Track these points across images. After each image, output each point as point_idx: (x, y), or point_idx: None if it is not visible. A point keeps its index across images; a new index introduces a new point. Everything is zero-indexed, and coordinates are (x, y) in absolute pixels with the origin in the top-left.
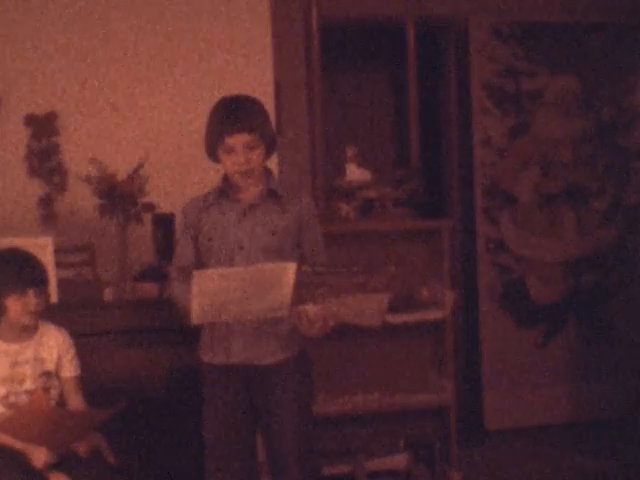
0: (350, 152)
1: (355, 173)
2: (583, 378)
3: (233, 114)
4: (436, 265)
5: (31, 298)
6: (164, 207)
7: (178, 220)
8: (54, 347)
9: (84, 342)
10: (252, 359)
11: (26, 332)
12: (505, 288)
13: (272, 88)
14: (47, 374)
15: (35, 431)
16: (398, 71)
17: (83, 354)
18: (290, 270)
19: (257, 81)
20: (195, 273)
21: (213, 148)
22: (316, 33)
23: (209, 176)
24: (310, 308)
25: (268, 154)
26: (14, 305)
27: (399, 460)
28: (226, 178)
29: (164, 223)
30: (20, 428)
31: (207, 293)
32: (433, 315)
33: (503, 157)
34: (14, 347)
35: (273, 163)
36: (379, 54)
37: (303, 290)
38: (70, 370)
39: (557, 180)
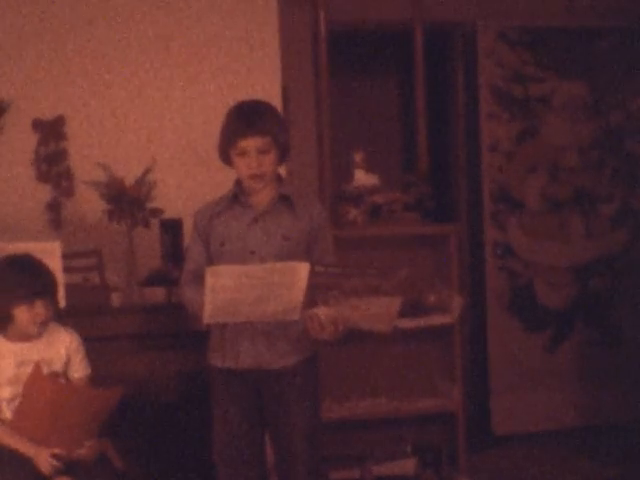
0: (358, 157)
1: (363, 178)
2: (591, 383)
3: (247, 118)
4: (444, 270)
5: (39, 309)
6: (171, 212)
7: (188, 225)
8: (62, 348)
9: (91, 347)
10: (262, 363)
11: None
12: (513, 293)
13: (280, 93)
14: (54, 375)
15: (42, 415)
16: (406, 76)
17: (91, 359)
18: (303, 270)
19: (265, 86)
20: (208, 269)
21: (226, 151)
22: (324, 38)
23: (217, 181)
24: (321, 311)
25: (281, 160)
26: (22, 315)
27: (407, 465)
28: (238, 183)
29: (171, 228)
30: (27, 417)
31: (220, 290)
32: (441, 320)
33: (511, 162)
34: (21, 347)
35: (281, 168)
36: (387, 59)
37: (315, 292)
38: (80, 370)
39: (565, 185)
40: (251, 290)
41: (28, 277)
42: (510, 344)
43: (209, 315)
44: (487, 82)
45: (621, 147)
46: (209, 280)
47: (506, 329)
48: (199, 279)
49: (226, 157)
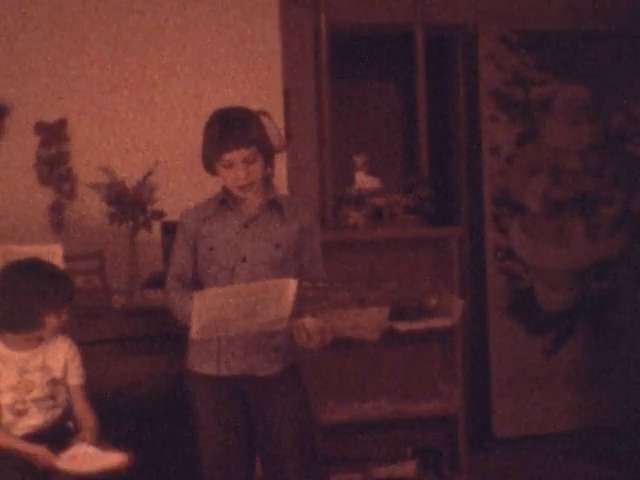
0: (359, 160)
1: (364, 181)
2: (592, 385)
3: (230, 130)
4: (445, 273)
5: (65, 315)
6: (173, 215)
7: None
8: (61, 355)
9: (93, 349)
10: (251, 370)
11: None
12: (514, 296)
13: (281, 96)
14: (54, 381)
15: None
16: (407, 79)
17: (92, 361)
18: (291, 286)
19: (266, 89)
20: (196, 294)
21: (211, 163)
22: (325, 41)
23: (218, 184)
24: (308, 321)
25: (266, 164)
26: (52, 322)
27: (407, 467)
28: (226, 188)
29: (173, 230)
30: None
31: (207, 312)
32: (442, 323)
33: (512, 165)
34: (23, 355)
35: (282, 171)
36: (388, 62)
37: (304, 304)
38: (76, 377)
39: (566, 188)
40: (239, 308)
41: (59, 285)
42: (511, 347)
43: (196, 332)
44: (488, 85)
45: (622, 150)
46: (196, 304)
47: (507, 332)
48: (185, 284)
49: (211, 168)
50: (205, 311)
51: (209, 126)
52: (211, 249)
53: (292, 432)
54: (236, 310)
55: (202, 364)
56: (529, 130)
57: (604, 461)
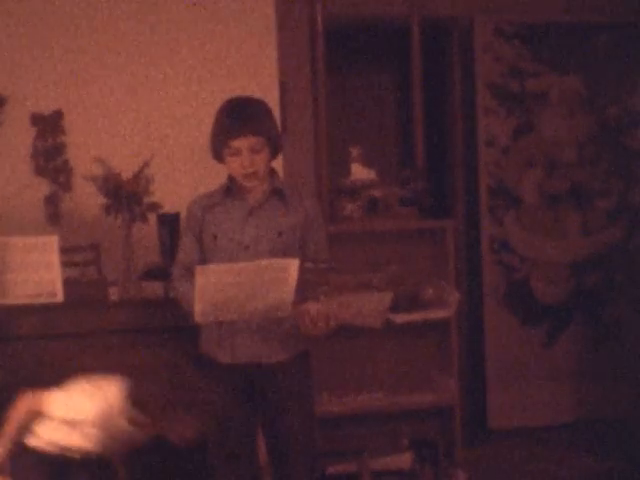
0: (355, 152)
1: (360, 172)
2: (587, 378)
3: (239, 117)
4: (441, 265)
5: None
6: (169, 206)
7: (183, 218)
8: None
9: (89, 341)
10: (259, 358)
11: None
12: (509, 288)
13: (277, 88)
14: None
15: None
16: (403, 71)
17: (88, 353)
18: (292, 266)
19: (262, 81)
20: (198, 268)
21: (218, 150)
22: (321, 33)
23: (214, 175)
24: (312, 307)
25: (273, 156)
26: None
27: (403, 459)
28: (232, 177)
29: (169, 222)
30: None
31: (210, 289)
32: (437, 314)
33: (508, 157)
34: None
35: (278, 162)
36: (384, 54)
37: (306, 288)
38: None
39: (562, 180)
40: (241, 288)
41: None
42: (506, 339)
43: (200, 314)
44: (484, 77)
45: (618, 142)
46: (199, 279)
47: (502, 324)
48: (191, 273)
49: (218, 155)
50: (208, 289)
51: (220, 113)
52: (215, 237)
53: (298, 420)
54: (239, 290)
55: (209, 351)
56: (525, 122)
57: (599, 453)
